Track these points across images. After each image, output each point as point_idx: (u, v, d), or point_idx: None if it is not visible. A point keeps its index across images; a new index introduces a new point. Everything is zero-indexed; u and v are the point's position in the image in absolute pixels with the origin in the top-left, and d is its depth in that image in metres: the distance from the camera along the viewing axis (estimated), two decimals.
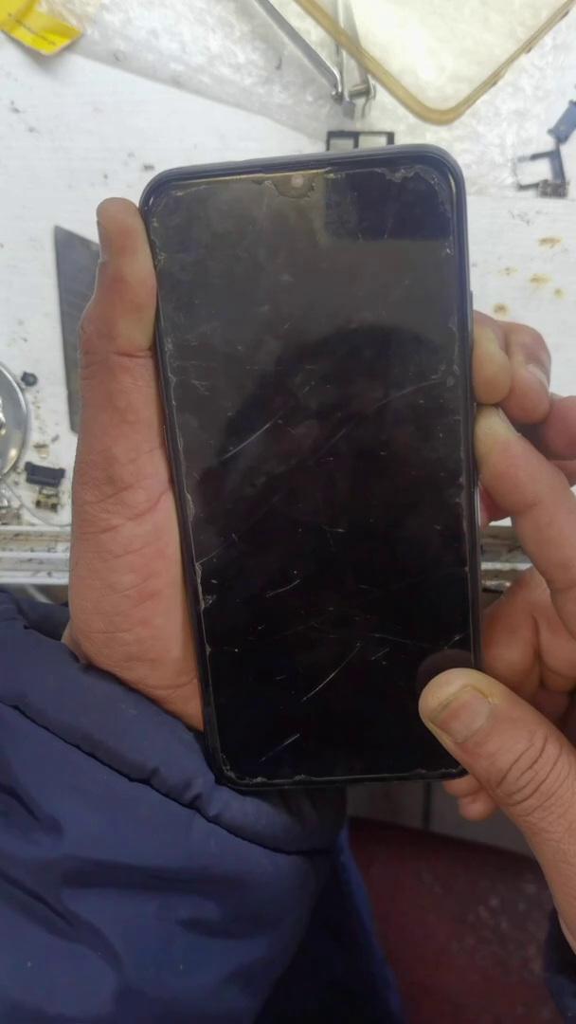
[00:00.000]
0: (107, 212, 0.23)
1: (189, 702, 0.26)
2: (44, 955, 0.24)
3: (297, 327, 0.23)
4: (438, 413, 0.24)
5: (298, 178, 0.23)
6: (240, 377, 0.24)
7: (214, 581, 0.25)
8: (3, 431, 0.42)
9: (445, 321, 0.23)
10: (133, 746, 0.25)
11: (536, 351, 0.25)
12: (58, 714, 0.25)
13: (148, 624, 0.25)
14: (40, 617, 0.30)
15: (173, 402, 0.24)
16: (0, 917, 0.25)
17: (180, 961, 0.25)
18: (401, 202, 0.23)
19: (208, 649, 0.26)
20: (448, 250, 0.23)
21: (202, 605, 0.25)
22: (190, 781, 0.25)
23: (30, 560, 0.42)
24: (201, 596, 0.25)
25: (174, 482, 0.25)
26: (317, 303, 0.23)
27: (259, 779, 0.27)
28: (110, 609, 0.25)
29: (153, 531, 0.25)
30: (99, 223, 0.23)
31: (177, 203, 0.23)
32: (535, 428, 0.25)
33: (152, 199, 0.23)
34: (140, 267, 0.23)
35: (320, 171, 0.23)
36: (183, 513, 0.25)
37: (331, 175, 0.23)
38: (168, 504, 0.25)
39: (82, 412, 0.24)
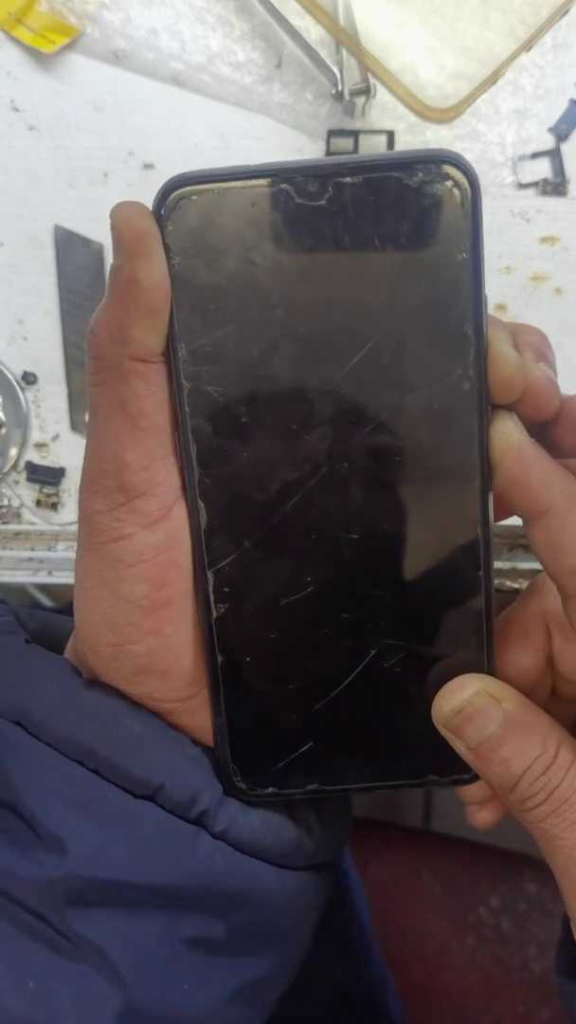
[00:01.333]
0: (121, 215, 0.22)
1: (196, 715, 0.26)
2: (47, 975, 0.24)
3: (312, 332, 0.23)
4: (453, 418, 0.24)
5: (314, 182, 0.22)
6: (254, 383, 0.24)
7: (226, 589, 0.25)
8: (3, 430, 0.42)
9: (461, 325, 0.23)
10: (138, 762, 0.24)
11: (544, 350, 0.25)
12: (61, 730, 0.25)
13: (159, 634, 0.25)
14: (40, 627, 0.30)
15: (186, 408, 0.24)
16: (2, 936, 0.24)
17: (185, 980, 0.25)
18: (418, 206, 0.22)
19: (220, 658, 0.25)
20: (464, 254, 0.23)
21: (214, 614, 0.25)
22: (196, 797, 0.25)
23: (30, 559, 0.42)
24: (213, 605, 0.25)
25: (186, 489, 0.24)
26: (332, 308, 0.23)
27: (270, 789, 0.26)
28: (120, 620, 0.25)
29: (166, 539, 0.24)
30: (113, 226, 0.22)
31: (191, 207, 0.23)
32: (544, 428, 0.25)
33: (166, 202, 0.23)
34: (155, 271, 0.22)
35: (336, 175, 0.22)
36: (195, 520, 0.24)
37: (348, 179, 0.22)
38: (181, 512, 0.24)
39: (91, 419, 0.24)
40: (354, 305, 0.23)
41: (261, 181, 0.23)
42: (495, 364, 0.23)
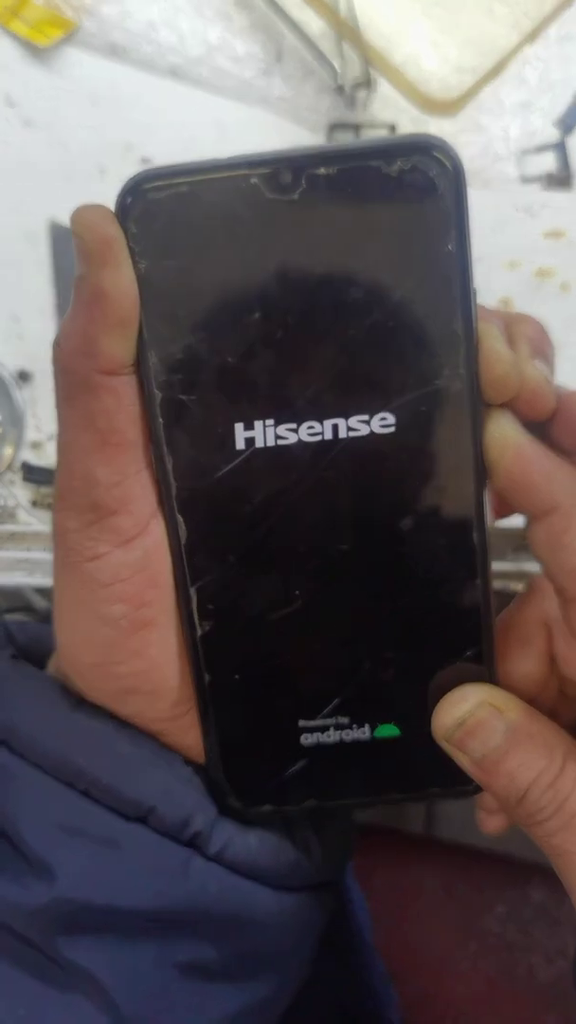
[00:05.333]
0: (84, 221, 0.21)
1: (188, 733, 0.25)
2: (37, 1003, 0.23)
3: (290, 334, 0.22)
4: (444, 419, 0.22)
5: (286, 174, 0.21)
6: (231, 390, 0.22)
7: (210, 606, 0.24)
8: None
9: (449, 322, 0.22)
10: (128, 783, 0.24)
11: (541, 344, 0.24)
12: (49, 751, 0.24)
13: (142, 655, 0.24)
14: (29, 640, 0.29)
15: (160, 419, 0.22)
16: None
17: (179, 1006, 0.24)
18: (398, 197, 0.21)
19: (207, 677, 0.24)
20: (450, 246, 0.21)
21: (199, 632, 0.24)
22: (189, 819, 0.24)
23: (26, 560, 0.41)
24: (198, 623, 0.24)
25: (164, 504, 0.23)
26: (311, 308, 0.22)
27: (266, 807, 0.25)
28: (101, 642, 0.24)
29: (143, 557, 0.23)
30: (75, 233, 0.21)
31: (156, 205, 0.21)
32: (540, 426, 0.24)
33: (129, 202, 0.21)
34: (122, 280, 0.21)
35: (310, 166, 0.21)
36: (175, 536, 0.23)
37: (322, 170, 0.21)
38: (157, 528, 0.23)
39: (60, 434, 0.23)
40: (334, 304, 0.22)
41: (229, 175, 0.21)
42: (486, 362, 0.22)
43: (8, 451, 0.41)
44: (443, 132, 0.39)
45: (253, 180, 0.21)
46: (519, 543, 0.40)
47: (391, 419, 0.23)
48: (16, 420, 0.41)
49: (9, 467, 0.41)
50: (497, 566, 0.40)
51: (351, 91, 0.38)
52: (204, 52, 0.39)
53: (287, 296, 0.22)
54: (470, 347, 0.22)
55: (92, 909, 0.23)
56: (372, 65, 0.38)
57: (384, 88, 0.38)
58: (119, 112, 0.39)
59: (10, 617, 0.35)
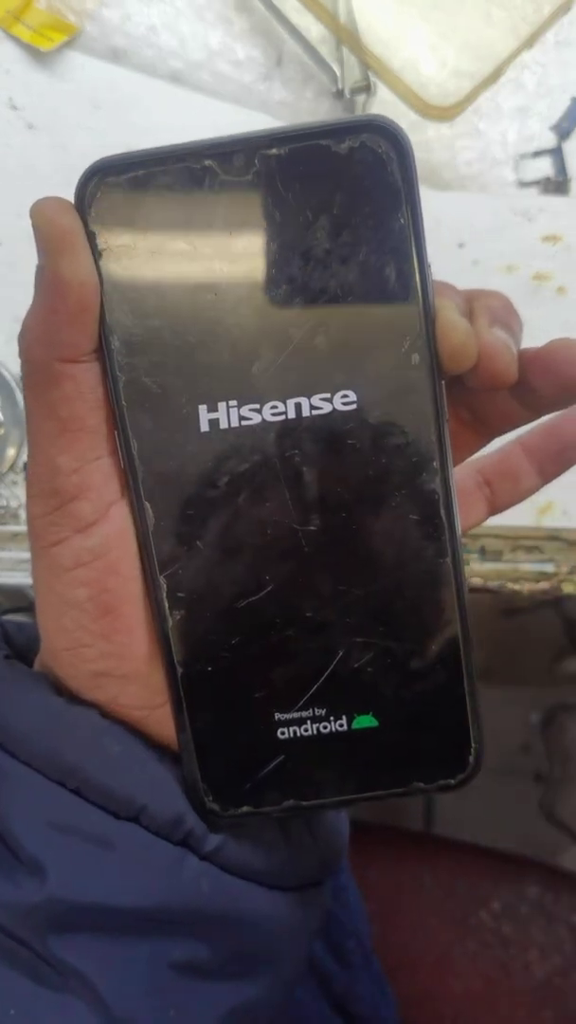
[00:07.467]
0: (41, 214, 0.21)
1: (167, 725, 0.25)
2: (28, 1004, 0.23)
3: (249, 313, 0.22)
4: (405, 394, 0.23)
5: (239, 156, 0.22)
6: (193, 371, 0.22)
7: (180, 594, 0.24)
8: (1, 430, 0.41)
9: (404, 296, 0.22)
10: (120, 782, 0.24)
11: (502, 314, 0.24)
12: (41, 750, 0.24)
13: (110, 639, 0.24)
14: (28, 639, 0.29)
15: (123, 403, 0.22)
16: None
17: (171, 1006, 0.24)
18: (349, 174, 0.22)
19: (179, 670, 0.24)
20: (402, 220, 0.22)
21: (169, 622, 0.24)
22: (181, 817, 0.24)
23: (28, 560, 0.42)
24: (168, 612, 0.24)
25: (130, 490, 0.23)
26: (269, 287, 0.22)
27: (244, 808, 0.24)
28: (70, 625, 0.24)
29: (102, 543, 0.23)
30: (34, 226, 0.21)
31: (114, 192, 0.22)
32: (519, 391, 0.24)
33: (88, 190, 0.22)
34: (81, 268, 0.21)
35: (262, 148, 0.21)
36: (143, 523, 0.23)
37: (274, 151, 0.21)
38: (118, 515, 0.23)
39: (27, 423, 0.23)
40: (291, 282, 0.22)
41: (184, 160, 0.22)
42: (442, 333, 0.22)
43: (11, 452, 0.41)
44: (441, 136, 0.39)
45: (208, 163, 0.22)
46: (515, 543, 0.41)
47: (352, 396, 0.23)
48: (19, 421, 0.41)
49: (12, 468, 0.42)
50: (492, 566, 0.41)
51: (350, 96, 0.38)
52: (205, 56, 0.39)
53: (244, 276, 0.22)
54: (427, 320, 0.22)
55: (84, 908, 0.23)
56: (371, 70, 0.38)
57: (383, 93, 0.38)
58: (120, 115, 0.39)
59: (11, 617, 0.35)
